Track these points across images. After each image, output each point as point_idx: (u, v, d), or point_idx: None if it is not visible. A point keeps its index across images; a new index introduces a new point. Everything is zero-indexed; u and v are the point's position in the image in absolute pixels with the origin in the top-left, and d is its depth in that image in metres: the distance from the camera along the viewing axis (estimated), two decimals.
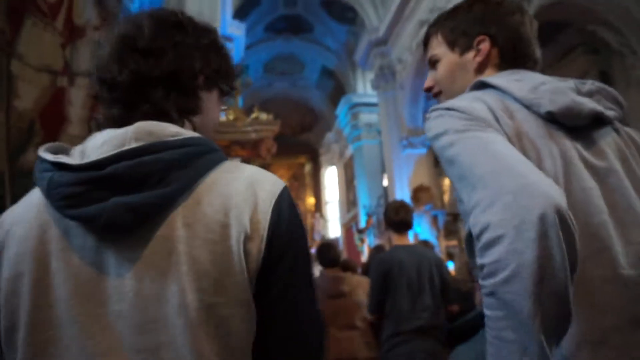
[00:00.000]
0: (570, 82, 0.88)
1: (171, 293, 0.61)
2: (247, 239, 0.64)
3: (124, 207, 0.61)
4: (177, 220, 0.64)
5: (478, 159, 0.71)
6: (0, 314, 0.65)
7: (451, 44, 1.01)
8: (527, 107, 0.83)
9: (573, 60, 8.26)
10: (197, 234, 0.63)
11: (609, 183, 0.81)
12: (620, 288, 0.73)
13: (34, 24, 2.36)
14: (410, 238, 3.03)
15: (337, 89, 14.07)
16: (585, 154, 0.82)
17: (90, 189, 0.62)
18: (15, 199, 2.28)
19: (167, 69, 0.70)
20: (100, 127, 0.72)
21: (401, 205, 2.84)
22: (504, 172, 0.67)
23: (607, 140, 0.86)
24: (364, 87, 13.01)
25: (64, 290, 0.63)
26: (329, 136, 15.46)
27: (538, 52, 0.98)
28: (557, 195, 0.62)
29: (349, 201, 14.39)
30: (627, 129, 0.92)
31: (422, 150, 9.26)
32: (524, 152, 0.76)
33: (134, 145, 0.63)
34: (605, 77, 7.86)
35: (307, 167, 16.40)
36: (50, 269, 0.64)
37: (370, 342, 2.90)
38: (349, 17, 11.71)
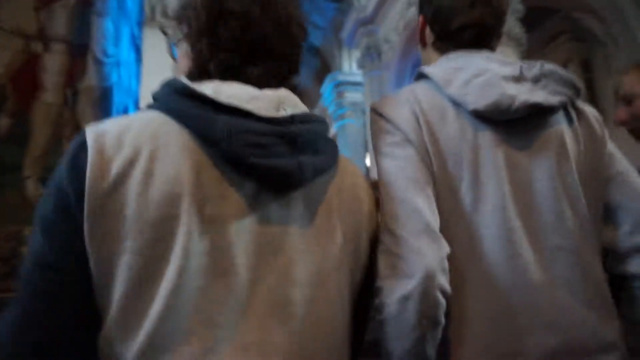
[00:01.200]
0: (514, 67, 0.86)
1: (329, 251, 0.68)
2: (371, 214, 0.78)
3: (311, 166, 0.66)
4: (332, 187, 0.72)
5: (387, 199, 0.81)
6: (126, 261, 0.58)
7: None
8: (458, 104, 0.83)
9: (557, 47, 8.34)
10: (345, 201, 0.73)
11: (532, 183, 0.81)
12: (530, 291, 0.77)
13: None
14: None
15: (323, 66, 13.92)
16: (513, 152, 0.82)
17: (277, 142, 0.64)
18: None
19: (300, 34, 0.78)
20: (198, 74, 0.70)
21: (375, 185, 2.84)
22: (396, 231, 0.77)
23: (547, 133, 0.84)
24: (349, 66, 12.90)
25: (223, 238, 0.61)
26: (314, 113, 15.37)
27: (480, 20, 0.91)
28: (423, 273, 0.72)
29: None
30: (585, 108, 0.90)
31: None
32: (440, 164, 0.81)
33: (291, 111, 0.67)
34: (587, 65, 7.96)
35: None
36: (207, 215, 0.61)
37: None
38: None
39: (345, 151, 11.85)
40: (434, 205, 0.79)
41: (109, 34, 2.79)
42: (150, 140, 0.62)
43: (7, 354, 0.59)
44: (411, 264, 0.73)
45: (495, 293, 0.77)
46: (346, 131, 12.70)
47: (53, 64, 2.43)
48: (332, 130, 13.95)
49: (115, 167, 0.59)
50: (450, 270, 0.75)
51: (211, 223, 0.61)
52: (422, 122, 0.83)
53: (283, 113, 0.65)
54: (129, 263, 0.58)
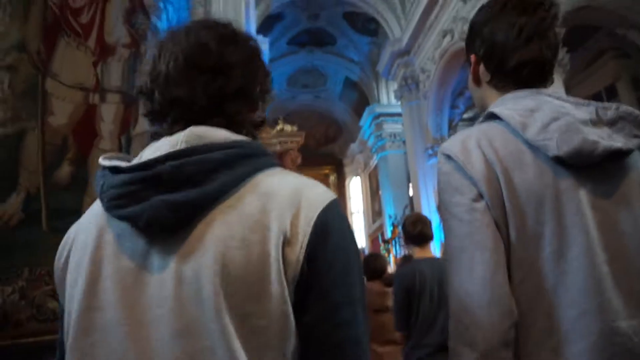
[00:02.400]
0: (591, 110, 0.84)
1: (206, 296, 0.58)
2: (286, 243, 0.60)
3: (164, 205, 0.60)
4: (216, 219, 0.61)
5: (456, 265, 0.81)
6: (64, 321, 0.69)
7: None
8: (536, 148, 0.81)
9: (603, 65, 8.06)
10: (234, 234, 0.60)
11: (618, 226, 0.79)
12: (621, 339, 0.74)
13: (67, 43, 2.46)
14: (438, 248, 2.98)
15: (361, 100, 14.09)
16: (595, 196, 0.79)
17: (138, 189, 0.62)
18: (50, 213, 2.36)
19: (236, 85, 0.71)
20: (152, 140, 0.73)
21: (418, 218, 2.82)
22: (463, 297, 0.79)
23: (627, 175, 0.82)
24: (387, 98, 12.98)
25: (112, 294, 0.63)
26: (353, 147, 15.45)
27: (539, 56, 0.89)
28: (484, 348, 0.74)
29: (374, 211, 14.29)
30: None
31: None
32: (518, 212, 0.79)
33: (183, 147, 0.64)
34: (637, 82, 7.63)
35: (332, 178, 16.40)
36: (102, 273, 0.65)
37: None
38: (371, 29, 11.75)
39: (386, 182, 11.72)
40: (502, 270, 0.78)
41: None
42: (84, 218, 0.74)
43: None
44: (474, 337, 0.76)
45: (582, 343, 0.74)
46: (388, 162, 12.67)
47: (109, 113, 2.60)
48: (374, 162, 13.96)
49: (65, 250, 0.73)
50: (531, 321, 0.76)
51: (104, 280, 0.65)
52: (498, 169, 0.81)
53: (172, 150, 0.63)
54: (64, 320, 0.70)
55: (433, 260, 2.77)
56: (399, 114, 11.11)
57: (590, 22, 7.00)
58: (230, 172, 0.63)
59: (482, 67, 0.95)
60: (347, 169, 16.45)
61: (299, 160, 5.58)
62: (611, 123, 0.83)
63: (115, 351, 0.62)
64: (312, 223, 0.61)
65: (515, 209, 0.79)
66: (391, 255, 11.00)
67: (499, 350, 0.74)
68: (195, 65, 0.69)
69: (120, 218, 0.63)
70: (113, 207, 0.64)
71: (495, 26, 0.91)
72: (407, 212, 10.47)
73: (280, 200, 0.62)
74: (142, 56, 2.77)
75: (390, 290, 3.15)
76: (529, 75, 0.90)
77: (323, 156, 15.80)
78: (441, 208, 0.86)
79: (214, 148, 0.64)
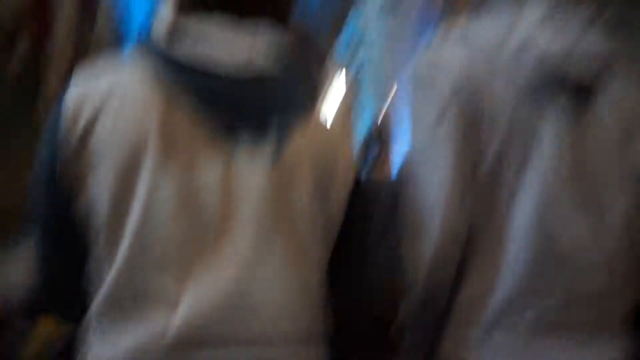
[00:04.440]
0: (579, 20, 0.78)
1: (298, 193, 0.69)
2: (349, 162, 0.78)
3: (274, 110, 0.69)
4: (303, 130, 0.71)
5: (419, 182, 0.82)
6: (101, 197, 0.64)
7: None
8: (508, 64, 0.78)
9: None
10: (317, 145, 0.73)
11: (587, 145, 0.78)
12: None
13: None
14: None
15: (342, 7, 13.30)
16: (566, 122, 0.77)
17: (238, 91, 0.66)
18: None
19: None
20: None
21: None
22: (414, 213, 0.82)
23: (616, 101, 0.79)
24: (371, 6, 12.31)
25: (193, 178, 0.65)
26: (331, 53, 14.93)
27: None
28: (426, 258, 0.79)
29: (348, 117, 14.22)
30: None
31: None
32: (480, 133, 0.77)
33: (260, 66, 0.67)
34: None
35: None
36: (177, 152, 0.64)
37: None
38: None
39: (363, 86, 11.31)
40: (459, 190, 0.79)
41: None
42: (116, 90, 0.66)
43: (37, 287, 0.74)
44: (428, 245, 0.79)
45: (525, 254, 0.78)
46: (366, 66, 12.30)
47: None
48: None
49: (85, 114, 0.64)
50: (480, 239, 0.80)
51: (178, 164, 0.64)
52: (472, 78, 0.79)
53: (249, 70, 0.67)
54: (101, 200, 0.64)
55: None
56: (381, 19, 10.61)
57: None
58: (304, 92, 0.76)
59: None
60: (323, 75, 16.05)
61: None
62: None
63: (196, 234, 0.64)
64: (353, 152, 0.81)
65: (482, 127, 0.78)
66: None
67: (439, 268, 0.79)
68: None
69: (219, 114, 0.65)
70: (211, 103, 0.65)
71: None
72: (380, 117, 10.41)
73: (338, 127, 0.84)
74: None
75: None
76: None
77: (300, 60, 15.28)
78: (412, 114, 0.86)
79: (284, 73, 0.71)
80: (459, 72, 0.80)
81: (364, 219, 0.83)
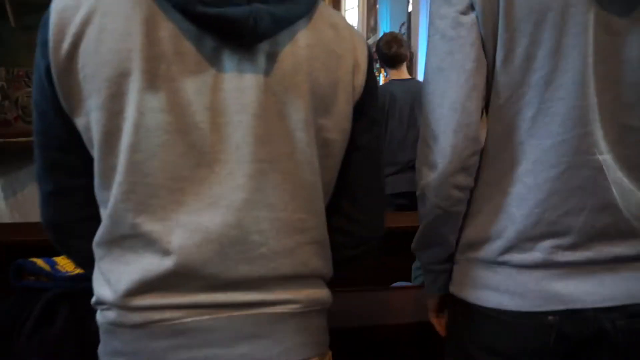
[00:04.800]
0: None
1: (294, 108, 0.65)
2: (355, 71, 0.72)
3: (268, 15, 0.61)
4: (301, 40, 0.67)
5: (430, 83, 0.80)
6: (94, 117, 0.62)
7: None
8: None
9: None
10: (317, 56, 0.68)
11: (622, 54, 0.72)
12: (589, 173, 0.74)
13: None
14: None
15: None
16: (608, 14, 0.70)
17: None
18: (16, 8, 2.16)
19: None
20: None
21: (393, 37, 2.75)
22: (432, 120, 0.79)
23: None
24: None
25: (182, 95, 0.61)
26: None
27: None
28: (441, 171, 0.78)
29: (369, 27, 13.59)
30: None
31: None
32: (509, 26, 0.71)
33: None
34: None
35: None
36: (160, 72, 0.61)
37: None
38: None
39: None
40: (476, 95, 0.75)
41: None
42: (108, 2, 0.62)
43: (41, 192, 0.72)
44: (435, 159, 0.78)
45: (548, 173, 0.75)
46: None
47: None
48: None
49: (72, 29, 0.61)
50: (500, 149, 0.77)
51: (167, 80, 0.61)
52: None
53: None
54: (96, 119, 0.62)
55: (407, 81, 2.76)
56: None
57: None
58: None
59: None
60: None
61: None
62: None
63: (185, 154, 0.62)
64: (366, 56, 0.74)
65: (510, 25, 0.72)
66: (381, 75, 10.89)
67: (457, 174, 0.78)
68: None
69: (208, 17, 0.59)
70: (198, 2, 0.59)
71: None
72: (404, 30, 9.97)
73: (345, 33, 0.72)
74: None
75: None
76: None
77: None
78: (429, 21, 0.81)
79: None
80: None
81: (374, 137, 0.79)
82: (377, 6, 12.77)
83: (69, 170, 0.69)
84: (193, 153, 0.62)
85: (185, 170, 0.62)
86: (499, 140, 0.78)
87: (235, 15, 0.60)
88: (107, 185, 0.64)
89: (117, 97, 0.61)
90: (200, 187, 0.63)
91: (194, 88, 0.62)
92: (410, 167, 2.60)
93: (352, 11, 15.70)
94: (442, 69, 0.77)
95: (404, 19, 11.04)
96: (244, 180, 0.63)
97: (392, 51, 2.70)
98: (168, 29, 0.61)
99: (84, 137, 0.65)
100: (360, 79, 0.73)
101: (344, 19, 0.77)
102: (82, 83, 0.62)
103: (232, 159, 0.63)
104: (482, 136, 0.78)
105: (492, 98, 0.77)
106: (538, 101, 0.74)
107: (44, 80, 0.64)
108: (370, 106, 0.76)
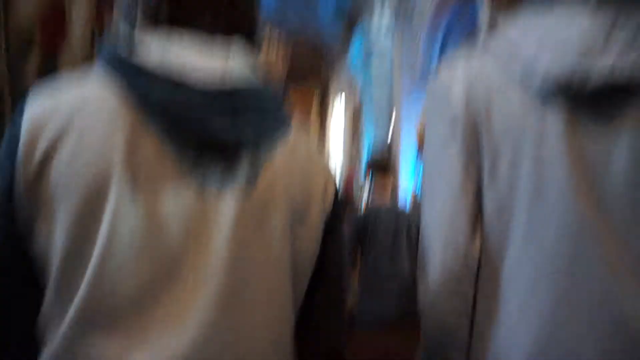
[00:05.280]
0: (601, 23, 0.69)
1: (273, 218, 0.66)
2: (326, 187, 0.74)
3: (249, 127, 0.64)
4: (279, 155, 0.69)
5: (426, 197, 0.82)
6: (60, 232, 0.58)
7: None
8: (526, 76, 0.73)
9: None
10: (293, 171, 0.70)
11: (607, 171, 0.70)
12: (594, 295, 0.72)
13: None
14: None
15: (353, 17, 13.47)
16: (584, 129, 0.71)
17: (211, 106, 0.61)
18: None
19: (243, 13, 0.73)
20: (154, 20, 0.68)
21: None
22: (425, 236, 0.80)
23: (631, 115, 0.70)
24: (379, 20, 12.46)
25: (160, 205, 0.60)
26: (340, 65, 15.05)
27: None
28: (434, 285, 0.77)
29: (356, 137, 14.30)
30: None
31: None
32: (490, 147, 0.74)
33: (235, 80, 0.64)
34: None
35: (316, 94, 16.13)
36: (141, 183, 0.60)
37: None
38: None
39: (369, 104, 11.46)
40: (465, 214, 0.76)
41: None
42: (81, 109, 0.60)
43: None
44: (426, 276, 0.78)
45: (552, 295, 0.71)
46: (372, 88, 12.43)
47: (80, 9, 2.40)
48: (359, 82, 13.65)
49: (45, 141, 0.58)
50: (496, 266, 0.76)
51: (146, 191, 0.60)
52: (481, 100, 0.76)
53: (225, 82, 0.62)
54: (62, 234, 0.58)
55: (392, 207, 2.84)
56: (390, 36, 10.75)
57: None
58: (280, 114, 0.71)
59: None
60: (332, 87, 16.15)
61: (284, 73, 5.41)
62: (628, 42, 0.68)
63: (161, 264, 0.60)
64: (334, 181, 0.77)
65: (490, 146, 0.74)
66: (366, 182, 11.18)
67: (450, 295, 0.76)
68: None
69: (189, 130, 0.61)
70: (181, 118, 0.60)
71: None
72: (388, 138, 10.52)
73: (316, 155, 0.77)
74: None
75: None
76: None
77: (309, 72, 15.39)
78: (425, 134, 0.85)
79: (261, 91, 0.68)
80: (471, 83, 0.77)
81: (341, 254, 0.80)
82: (362, 119, 13.62)
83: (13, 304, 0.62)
84: (166, 266, 0.60)
85: (155, 284, 0.59)
86: (492, 262, 0.76)
87: (216, 128, 0.61)
88: (62, 305, 0.58)
89: (94, 204, 0.58)
90: (169, 303, 0.60)
91: (173, 199, 0.61)
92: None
93: (338, 121, 16.66)
94: (433, 187, 0.80)
95: (388, 130, 11.75)
96: (217, 298, 0.61)
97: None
98: (149, 141, 0.61)
99: (40, 264, 0.60)
100: (330, 198, 0.75)
101: (314, 144, 0.82)
102: (49, 198, 0.58)
103: (207, 272, 0.61)
104: (474, 251, 0.76)
105: (484, 217, 0.76)
106: (526, 218, 0.73)
107: (4, 194, 0.60)
108: (337, 229, 0.78)
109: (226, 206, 0.63)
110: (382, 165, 2.85)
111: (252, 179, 0.65)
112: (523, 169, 0.72)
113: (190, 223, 0.61)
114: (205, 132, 0.61)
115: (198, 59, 0.63)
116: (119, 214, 0.58)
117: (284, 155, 0.69)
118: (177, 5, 0.68)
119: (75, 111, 0.60)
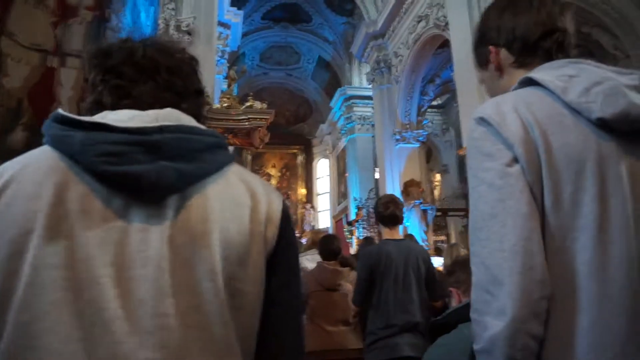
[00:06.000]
0: (634, 77, 0.80)
1: (201, 258, 0.64)
2: (268, 223, 0.72)
3: (172, 170, 0.64)
4: (210, 193, 0.69)
5: (482, 229, 0.78)
6: None
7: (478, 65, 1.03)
8: (577, 112, 0.78)
9: None
10: (227, 207, 0.69)
11: None
12: None
13: (25, 1, 2.31)
14: (400, 232, 3.03)
15: (333, 80, 14.02)
16: (636, 164, 0.76)
17: (135, 150, 0.63)
18: None
19: (185, 81, 0.78)
20: (93, 109, 0.73)
21: (391, 199, 2.86)
22: (492, 266, 0.75)
23: None
24: (359, 80, 12.97)
25: (82, 250, 0.60)
26: (323, 128, 15.41)
27: (563, 28, 0.91)
28: (511, 318, 0.71)
29: (340, 193, 14.40)
30: None
31: (415, 145, 9.27)
32: (552, 175, 0.76)
33: (168, 123, 0.67)
34: None
35: (300, 158, 16.35)
36: (63, 230, 0.60)
37: (360, 335, 2.92)
38: (348, 9, 11.66)
39: (353, 164, 11.78)
40: (537, 238, 0.74)
41: None
42: (20, 166, 0.65)
43: None
44: (502, 307, 0.72)
45: (619, 321, 0.71)
46: (356, 145, 12.72)
47: (68, 78, 2.48)
48: (342, 144, 13.98)
49: None
50: (566, 294, 0.73)
51: (68, 237, 0.61)
52: (536, 132, 0.77)
53: (151, 129, 0.65)
54: None
55: (401, 241, 2.83)
56: (370, 97, 11.14)
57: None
58: (216, 156, 0.72)
59: (503, 53, 0.96)
60: (315, 150, 16.43)
61: (267, 139, 5.52)
62: None
63: (82, 312, 0.59)
64: (280, 210, 0.75)
65: (553, 174, 0.75)
66: (354, 237, 11.16)
67: (529, 321, 0.71)
68: (154, 62, 0.75)
69: (112, 175, 0.62)
70: (102, 162, 0.62)
71: (513, 11, 0.94)
72: (373, 195, 10.61)
73: (258, 189, 0.75)
74: (106, 20, 2.65)
75: (345, 270, 3.20)
76: (555, 44, 0.91)
77: (292, 135, 15.70)
78: (469, 176, 0.82)
79: (200, 132, 0.70)
80: (522, 113, 0.79)
81: (293, 288, 0.77)
82: (347, 174, 13.81)
83: None
84: (90, 311, 0.58)
85: (79, 330, 0.58)
86: (562, 285, 0.74)
87: (138, 171, 0.62)
88: None
89: (15, 256, 0.59)
90: (95, 349, 0.58)
91: (97, 243, 0.61)
92: (408, 329, 2.50)
93: (322, 179, 16.83)
94: (494, 215, 0.76)
95: (372, 185, 11.88)
96: (146, 337, 0.59)
97: (389, 212, 2.73)
98: (78, 190, 0.63)
99: None
100: (273, 231, 0.73)
101: (259, 178, 0.80)
102: None
103: (135, 314, 0.60)
104: (547, 279, 0.73)
105: (547, 242, 0.75)
106: (592, 245, 0.73)
107: None
108: (287, 261, 0.75)
109: (151, 247, 0.63)
110: (396, 202, 2.85)
111: (176, 219, 0.65)
112: (586, 199, 0.75)
113: (115, 267, 0.61)
114: (124, 174, 0.62)
115: (131, 115, 0.67)
116: (38, 264, 0.59)
117: (216, 191, 0.69)
118: (118, 89, 0.73)
119: (16, 170, 0.64)
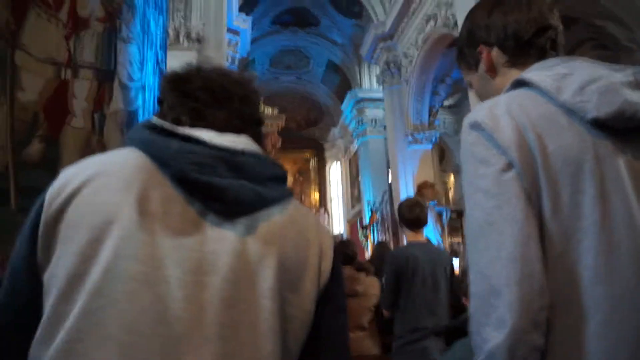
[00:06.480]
0: (628, 73, 0.78)
1: (263, 277, 0.68)
2: (322, 257, 0.76)
3: (252, 190, 0.70)
4: (277, 219, 0.73)
5: (479, 238, 0.77)
6: (63, 263, 0.63)
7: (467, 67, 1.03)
8: (572, 111, 0.77)
9: (582, 55, 8.18)
10: (289, 235, 0.74)
11: None
12: None
13: (37, 15, 2.34)
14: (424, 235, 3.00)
15: (343, 83, 14.01)
16: (634, 162, 0.75)
17: (220, 165, 0.69)
18: (19, 191, 2.28)
19: (251, 110, 0.83)
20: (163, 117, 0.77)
21: (416, 202, 2.86)
22: (490, 275, 0.73)
23: None
24: (369, 82, 12.93)
25: (159, 249, 0.64)
26: (334, 131, 15.41)
27: (552, 27, 0.91)
28: (511, 329, 0.69)
29: (354, 197, 14.35)
30: None
31: (427, 146, 9.21)
32: (549, 178, 0.74)
33: (248, 148, 0.74)
34: None
35: (312, 162, 16.37)
36: (145, 225, 0.65)
37: (376, 340, 2.90)
38: (355, 11, 11.64)
39: (366, 168, 11.76)
40: (534, 245, 0.73)
41: (134, 59, 2.88)
42: (109, 163, 0.71)
43: None
44: (501, 317, 0.70)
45: (629, 324, 0.69)
46: (368, 147, 12.68)
47: (81, 90, 2.51)
48: (354, 147, 13.96)
49: (71, 185, 0.67)
50: (569, 300, 0.72)
51: (148, 233, 0.64)
52: (531, 135, 0.76)
53: (234, 149, 0.72)
54: (65, 264, 0.63)
55: (425, 244, 2.81)
56: (381, 99, 11.08)
57: (569, 13, 7.07)
58: (281, 187, 0.78)
59: (495, 52, 0.94)
60: (327, 154, 16.43)
61: (279, 144, 5.55)
62: None
63: (145, 310, 0.61)
64: (332, 247, 0.80)
65: (550, 177, 0.74)
66: (368, 241, 11.09)
67: (530, 332, 0.69)
68: (226, 91, 0.80)
69: (201, 183, 0.67)
70: (193, 170, 0.67)
71: (502, 9, 0.93)
72: (386, 198, 10.55)
73: (313, 225, 0.79)
74: (116, 31, 2.67)
75: (360, 275, 3.19)
76: (548, 41, 0.91)
77: (304, 140, 15.73)
78: (464, 182, 0.81)
79: (267, 160, 0.76)
80: (516, 116, 0.78)
81: (340, 320, 0.80)
82: (360, 177, 13.77)
83: (16, 334, 0.67)
84: (156, 308, 0.61)
85: (142, 325, 0.60)
86: (564, 292, 0.73)
87: (224, 184, 0.68)
88: (49, 336, 0.61)
89: (95, 243, 0.63)
90: (153, 346, 0.60)
91: (172, 245, 0.65)
92: (437, 333, 2.48)
93: (336, 183, 16.81)
94: (491, 222, 0.74)
95: (385, 187, 11.81)
96: (204, 342, 0.62)
97: (414, 214, 2.76)
98: (162, 192, 0.68)
99: (45, 290, 0.64)
100: (327, 264, 0.77)
101: (312, 214, 0.86)
102: (64, 230, 0.64)
103: (196, 318, 0.62)
104: (546, 288, 0.72)
105: (547, 248, 0.74)
106: (595, 247, 0.72)
107: (26, 236, 0.67)
108: (336, 293, 0.78)
109: (220, 258, 0.66)
110: (421, 205, 2.83)
111: (246, 237, 0.69)
112: (586, 200, 0.73)
113: (183, 269, 0.64)
114: (211, 185, 0.67)
115: (213, 134, 0.73)
116: (118, 253, 0.62)
117: (280, 219, 0.74)
118: (195, 111, 0.77)
119: (104, 164, 0.70)
